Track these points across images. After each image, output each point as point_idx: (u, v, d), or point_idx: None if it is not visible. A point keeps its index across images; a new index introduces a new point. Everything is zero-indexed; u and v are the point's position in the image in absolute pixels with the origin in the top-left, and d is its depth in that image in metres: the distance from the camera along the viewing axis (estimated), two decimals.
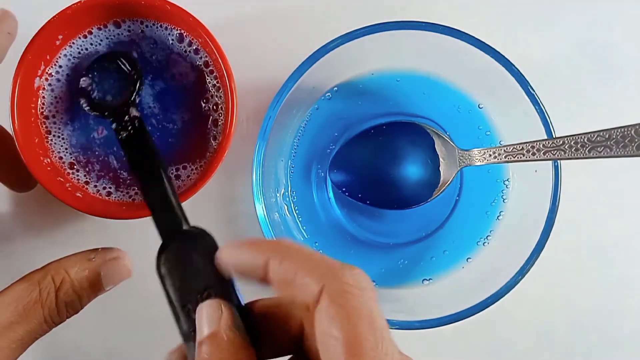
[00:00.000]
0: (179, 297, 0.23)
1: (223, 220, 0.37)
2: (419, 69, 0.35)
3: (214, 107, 0.33)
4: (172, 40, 0.32)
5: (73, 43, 0.32)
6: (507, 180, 0.36)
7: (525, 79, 0.31)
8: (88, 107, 0.31)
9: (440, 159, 0.34)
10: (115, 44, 0.32)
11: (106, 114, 0.31)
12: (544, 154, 0.29)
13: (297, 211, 0.36)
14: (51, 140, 0.32)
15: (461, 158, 0.34)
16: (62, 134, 0.32)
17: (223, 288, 0.23)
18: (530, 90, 0.31)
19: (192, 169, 0.33)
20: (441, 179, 0.34)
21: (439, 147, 0.34)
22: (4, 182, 0.33)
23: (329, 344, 0.18)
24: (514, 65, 0.31)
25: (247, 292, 0.23)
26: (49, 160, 0.32)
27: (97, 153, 0.33)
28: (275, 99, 0.31)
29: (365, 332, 0.18)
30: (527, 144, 0.30)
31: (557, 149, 0.28)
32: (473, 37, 0.31)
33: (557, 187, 0.31)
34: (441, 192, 0.34)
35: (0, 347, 0.24)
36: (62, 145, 0.32)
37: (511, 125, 0.35)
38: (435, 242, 0.36)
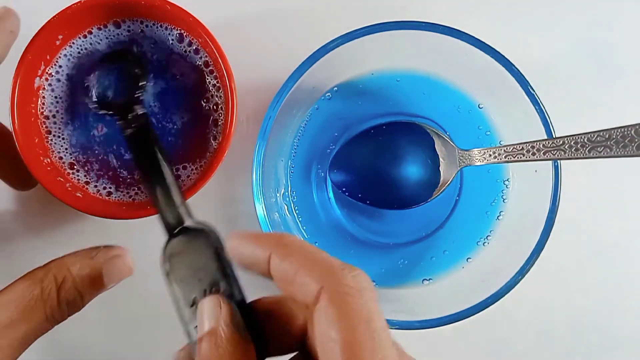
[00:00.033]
0: (183, 294, 0.23)
1: (223, 220, 0.37)
2: (419, 69, 0.35)
3: (214, 107, 0.33)
4: (172, 40, 0.32)
5: (73, 43, 0.32)
6: (507, 180, 0.36)
7: (525, 79, 0.31)
8: (95, 106, 0.31)
9: (440, 159, 0.34)
10: (115, 44, 0.32)
11: (112, 112, 0.31)
12: (544, 154, 0.29)
13: (297, 211, 0.36)
14: (51, 140, 0.32)
15: (461, 158, 0.34)
16: (62, 134, 0.32)
17: (226, 284, 0.23)
18: (530, 90, 0.31)
19: (192, 169, 0.33)
20: (441, 179, 0.34)
21: (439, 147, 0.34)
22: (5, 180, 0.33)
23: (327, 345, 0.18)
24: (514, 65, 0.31)
25: (255, 287, 0.23)
26: (49, 160, 0.32)
27: (97, 152, 0.33)
28: (275, 99, 0.31)
29: (363, 334, 0.18)
30: (527, 144, 0.30)
31: (557, 149, 0.28)
32: (473, 37, 0.31)
33: (557, 187, 0.31)
34: (441, 192, 0.34)
35: (1, 345, 0.23)
36: (62, 145, 0.32)
37: (511, 125, 0.35)
38: (435, 242, 0.36)
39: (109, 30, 0.32)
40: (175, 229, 0.26)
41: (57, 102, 0.32)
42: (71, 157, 0.32)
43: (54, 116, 0.32)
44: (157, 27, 0.32)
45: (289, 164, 0.36)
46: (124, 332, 0.37)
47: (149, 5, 0.31)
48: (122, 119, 0.30)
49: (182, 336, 0.23)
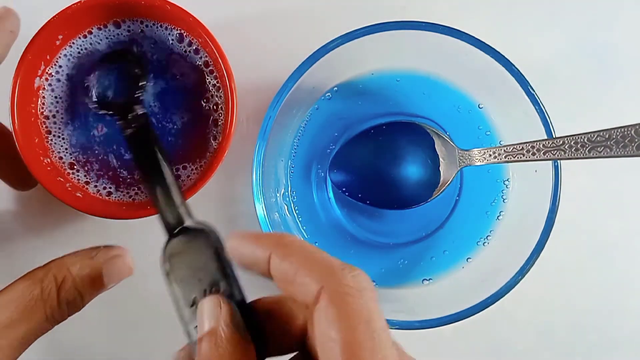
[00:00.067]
0: (183, 294, 0.23)
1: (223, 220, 0.37)
2: (419, 69, 0.35)
3: (214, 107, 0.33)
4: (172, 40, 0.32)
5: (73, 43, 0.32)
6: (507, 180, 0.36)
7: (525, 79, 0.31)
8: (95, 106, 0.31)
9: (440, 159, 0.34)
10: (115, 43, 0.32)
11: (112, 112, 0.31)
12: (544, 154, 0.29)
13: (297, 211, 0.36)
14: (51, 140, 0.32)
15: (461, 158, 0.34)
16: (62, 134, 0.32)
17: (226, 284, 0.23)
18: (530, 90, 0.31)
19: (192, 169, 0.33)
20: (441, 179, 0.34)
21: (439, 147, 0.34)
22: (5, 180, 0.33)
23: (327, 345, 0.18)
24: (514, 65, 0.31)
25: (255, 287, 0.23)
26: (49, 160, 0.32)
27: (96, 152, 0.33)
28: (275, 99, 0.31)
29: (363, 334, 0.18)
30: (527, 144, 0.30)
31: (557, 149, 0.28)
32: (473, 37, 0.31)
33: (557, 187, 0.31)
34: (441, 192, 0.34)
35: (1, 345, 0.23)
36: (62, 145, 0.32)
37: (511, 125, 0.35)
38: (435, 242, 0.36)
39: (109, 30, 0.32)
40: (175, 229, 0.26)
41: (57, 102, 0.32)
42: (71, 157, 0.32)
43: (54, 116, 0.32)
44: (157, 27, 0.32)
45: (289, 164, 0.36)
46: (124, 332, 0.37)
47: (149, 5, 0.31)
48: (122, 119, 0.30)
49: (181, 336, 0.23)
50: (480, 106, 0.35)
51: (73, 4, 0.30)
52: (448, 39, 0.31)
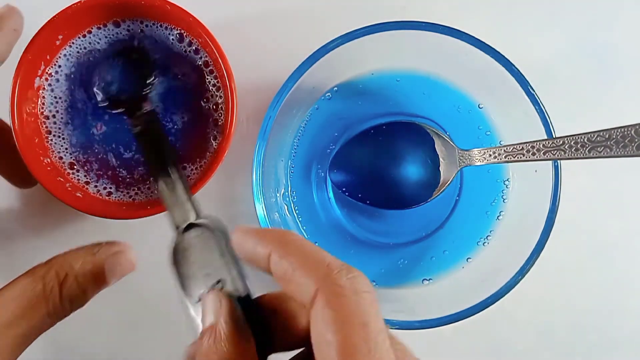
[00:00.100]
0: (190, 290, 0.23)
1: (223, 220, 0.37)
2: (419, 69, 0.35)
3: (214, 107, 0.33)
4: (172, 40, 0.32)
5: (73, 43, 0.32)
6: (507, 180, 0.36)
7: (525, 79, 0.31)
8: (105, 104, 0.31)
9: (440, 159, 0.34)
10: (115, 43, 0.32)
11: (121, 109, 0.31)
12: (544, 154, 0.29)
13: (297, 211, 0.36)
14: (51, 140, 0.32)
15: (461, 158, 0.34)
16: (62, 134, 0.32)
17: (232, 280, 0.23)
18: (530, 90, 0.31)
19: (192, 169, 0.33)
20: (441, 179, 0.34)
21: (439, 147, 0.34)
22: (6, 177, 0.33)
23: (322, 347, 0.18)
24: (514, 65, 0.31)
25: (264, 282, 0.23)
26: (49, 160, 0.32)
27: (97, 152, 0.33)
28: (275, 99, 0.31)
29: (359, 337, 0.17)
30: (527, 144, 0.30)
31: (557, 149, 0.28)
32: (473, 37, 0.31)
33: (557, 187, 0.31)
34: (441, 192, 0.34)
35: (5, 342, 0.23)
36: (62, 145, 0.32)
37: (511, 125, 0.35)
38: (435, 242, 0.36)
39: (109, 30, 0.32)
40: (183, 224, 0.26)
41: (57, 102, 0.32)
42: (71, 157, 0.32)
43: (54, 116, 0.32)
44: (157, 27, 0.32)
45: (289, 164, 0.36)
46: (124, 332, 0.37)
47: (149, 5, 0.31)
48: (131, 116, 0.30)
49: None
50: (480, 106, 0.35)
51: (73, 4, 0.30)
52: (448, 39, 0.31)
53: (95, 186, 0.33)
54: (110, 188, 0.33)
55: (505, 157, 0.31)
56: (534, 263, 0.31)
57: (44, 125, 0.32)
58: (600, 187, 0.38)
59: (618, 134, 0.25)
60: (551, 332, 0.38)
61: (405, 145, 0.35)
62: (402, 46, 0.33)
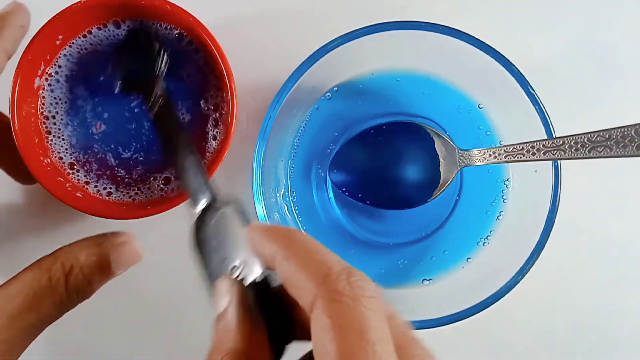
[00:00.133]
0: (210, 275, 0.23)
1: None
2: (419, 69, 0.35)
3: (214, 107, 0.33)
4: (172, 40, 0.32)
5: (73, 43, 0.32)
6: (507, 180, 0.36)
7: (525, 79, 0.31)
8: (120, 88, 0.31)
9: (440, 159, 0.34)
10: (115, 43, 0.32)
11: (137, 92, 0.31)
12: (544, 154, 0.29)
13: (297, 211, 0.36)
14: (51, 140, 0.32)
15: (461, 158, 0.34)
16: (62, 134, 0.32)
17: (248, 265, 0.23)
18: (530, 90, 0.31)
19: None
20: (441, 179, 0.34)
21: (439, 147, 0.34)
22: (9, 172, 0.32)
23: (321, 354, 0.17)
24: (514, 65, 0.31)
25: None
26: (49, 160, 0.32)
27: (97, 152, 0.33)
28: (275, 99, 0.31)
29: (357, 346, 0.17)
30: (527, 144, 0.30)
31: (557, 149, 0.28)
32: (473, 37, 0.31)
33: (557, 187, 0.31)
34: (441, 192, 0.34)
35: (12, 333, 0.23)
36: (62, 146, 0.32)
37: (511, 125, 0.35)
38: (435, 242, 0.36)
39: (109, 30, 0.32)
40: (202, 205, 0.26)
41: (57, 102, 0.32)
42: (71, 157, 0.32)
43: (53, 117, 0.32)
44: (157, 27, 0.32)
45: (289, 164, 0.36)
46: (125, 332, 0.37)
47: (149, 5, 0.31)
48: (146, 99, 0.30)
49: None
50: (480, 106, 0.35)
51: (73, 4, 0.30)
52: (448, 39, 0.31)
53: (95, 186, 0.33)
54: (110, 188, 0.33)
55: (505, 157, 0.31)
56: (534, 263, 0.31)
57: (44, 126, 0.32)
58: (600, 187, 0.38)
59: (618, 134, 0.25)
60: (551, 332, 0.38)
61: (405, 145, 0.35)
62: (402, 46, 0.33)
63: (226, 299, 0.21)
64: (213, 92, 0.33)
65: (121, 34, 0.32)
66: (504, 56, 0.31)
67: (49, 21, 0.30)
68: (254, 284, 0.22)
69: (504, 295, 0.31)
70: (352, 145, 0.35)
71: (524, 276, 0.31)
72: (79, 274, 0.25)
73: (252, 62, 0.37)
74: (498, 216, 0.35)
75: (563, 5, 0.38)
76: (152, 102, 0.30)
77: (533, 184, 0.33)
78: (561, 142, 0.28)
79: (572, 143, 0.27)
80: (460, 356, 0.38)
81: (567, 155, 0.28)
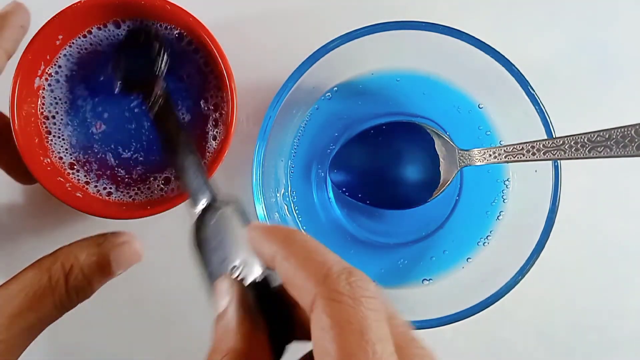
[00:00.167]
0: (211, 275, 0.23)
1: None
2: (419, 69, 0.35)
3: (214, 107, 0.33)
4: (172, 40, 0.32)
5: (73, 43, 0.32)
6: (507, 180, 0.36)
7: (525, 79, 0.31)
8: (119, 88, 0.31)
9: (440, 159, 0.34)
10: (115, 43, 0.32)
11: (137, 92, 0.31)
12: (544, 154, 0.29)
13: (297, 211, 0.36)
14: (51, 140, 0.32)
15: (461, 158, 0.34)
16: (62, 134, 0.32)
17: (248, 265, 0.23)
18: (530, 90, 0.31)
19: None
20: (441, 179, 0.34)
21: (439, 147, 0.34)
22: (8, 171, 0.32)
23: (321, 354, 0.17)
24: (514, 65, 0.31)
25: None
26: (49, 160, 0.32)
27: (97, 152, 0.33)
28: (275, 99, 0.31)
29: (357, 346, 0.17)
30: (527, 144, 0.30)
31: (557, 149, 0.28)
32: (473, 37, 0.31)
33: (557, 187, 0.31)
34: (441, 192, 0.34)
35: (12, 333, 0.23)
36: (62, 146, 0.32)
37: (511, 125, 0.35)
38: (435, 242, 0.36)
39: (109, 30, 0.32)
40: (202, 205, 0.26)
41: (57, 102, 0.32)
42: (71, 157, 0.32)
43: (53, 117, 0.32)
44: (157, 27, 0.32)
45: (289, 164, 0.36)
46: (124, 332, 0.37)
47: (149, 5, 0.31)
48: (146, 99, 0.30)
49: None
50: (480, 106, 0.35)
51: (73, 4, 0.30)
52: (448, 39, 0.31)
53: (95, 186, 0.33)
54: (110, 188, 0.33)
55: (505, 157, 0.31)
56: (534, 263, 0.31)
57: (44, 126, 0.32)
58: (600, 187, 0.38)
59: (618, 134, 0.25)
60: (551, 332, 0.38)
61: (405, 145, 0.35)
62: (402, 46, 0.33)
63: (226, 299, 0.21)
64: (213, 92, 0.33)
65: (121, 34, 0.32)
66: (504, 56, 0.31)
67: (49, 21, 0.30)
68: (254, 284, 0.22)
69: (504, 295, 0.31)
70: (352, 145, 0.35)
71: (524, 276, 0.31)
72: (79, 274, 0.25)
73: (252, 62, 0.37)
74: (498, 216, 0.35)
75: (563, 5, 0.38)
76: (152, 102, 0.30)
77: (533, 184, 0.33)
78: (561, 142, 0.28)
79: (572, 143, 0.27)
80: (460, 356, 0.38)
81: (567, 155, 0.28)
